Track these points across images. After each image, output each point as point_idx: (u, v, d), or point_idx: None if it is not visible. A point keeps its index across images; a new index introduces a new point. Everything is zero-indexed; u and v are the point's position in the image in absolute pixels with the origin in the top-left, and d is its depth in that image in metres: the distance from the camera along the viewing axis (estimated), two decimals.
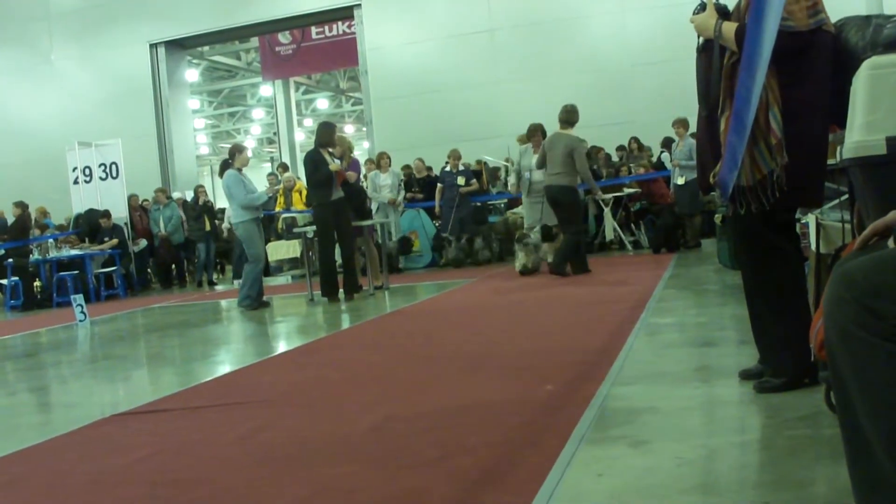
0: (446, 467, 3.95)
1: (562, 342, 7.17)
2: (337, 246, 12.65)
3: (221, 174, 12.98)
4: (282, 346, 9.28)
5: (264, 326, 11.07)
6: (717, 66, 4.63)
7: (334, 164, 12.30)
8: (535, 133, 14.44)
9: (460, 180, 17.16)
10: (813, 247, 5.41)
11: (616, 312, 8.37)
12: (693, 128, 15.43)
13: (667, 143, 17.45)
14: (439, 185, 17.48)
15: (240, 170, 12.78)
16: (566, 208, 12.87)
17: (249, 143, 52.78)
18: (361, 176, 14.95)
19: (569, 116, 13.01)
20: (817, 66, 4.37)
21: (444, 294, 12.17)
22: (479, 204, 18.21)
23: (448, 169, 17.58)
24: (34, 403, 7.37)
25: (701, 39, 4.89)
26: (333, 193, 12.21)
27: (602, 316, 8.33)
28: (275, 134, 42.47)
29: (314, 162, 12.38)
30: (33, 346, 11.53)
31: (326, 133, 12.88)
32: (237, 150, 13.27)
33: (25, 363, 9.84)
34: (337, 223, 12.34)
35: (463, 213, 17.10)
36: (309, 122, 49.58)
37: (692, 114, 16.42)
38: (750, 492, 3.36)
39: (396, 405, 5.38)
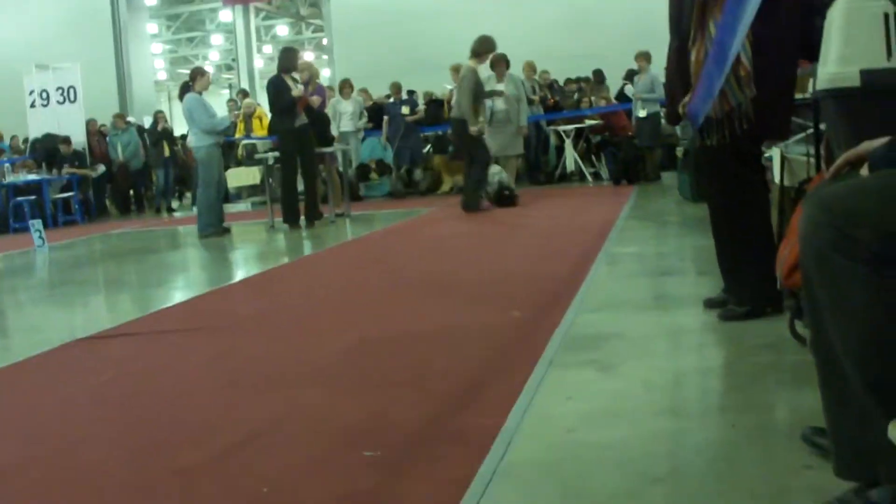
0: (417, 390, 4.01)
1: (526, 270, 7.22)
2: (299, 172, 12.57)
3: (181, 98, 12.81)
4: (243, 273, 9.28)
5: (224, 253, 11.07)
6: None
7: (297, 90, 12.20)
8: (499, 62, 14.41)
9: (404, 110, 17.10)
10: (777, 179, 5.49)
11: (579, 242, 8.42)
12: (656, 61, 15.55)
13: (629, 76, 17.43)
14: (385, 116, 17.41)
15: (200, 94, 12.64)
16: (462, 142, 12.89)
17: (208, 69, 52.28)
18: (326, 102, 14.78)
19: (474, 46, 12.91)
20: (786, 1, 4.40)
21: (405, 222, 12.16)
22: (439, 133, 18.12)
23: (392, 100, 17.50)
24: None
25: None
26: (297, 120, 12.11)
27: (565, 245, 8.40)
28: (233, 60, 42.04)
29: (277, 88, 12.27)
30: None
31: (288, 58, 12.79)
32: (198, 73, 13.10)
33: None
34: (300, 150, 12.25)
35: (410, 143, 17.08)
36: (268, 49, 49.12)
37: (658, 48, 16.52)
38: (716, 415, 3.45)
39: (365, 330, 5.43)
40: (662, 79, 15.49)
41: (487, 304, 5.86)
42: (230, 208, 16.79)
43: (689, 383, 3.92)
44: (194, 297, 7.65)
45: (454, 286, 6.78)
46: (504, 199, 12.63)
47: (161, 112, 21.38)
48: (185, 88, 12.89)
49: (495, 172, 12.82)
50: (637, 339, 4.64)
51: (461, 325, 5.33)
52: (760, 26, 4.30)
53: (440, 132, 17.61)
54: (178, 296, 7.95)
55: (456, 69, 15.10)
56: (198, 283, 8.93)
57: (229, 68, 52.32)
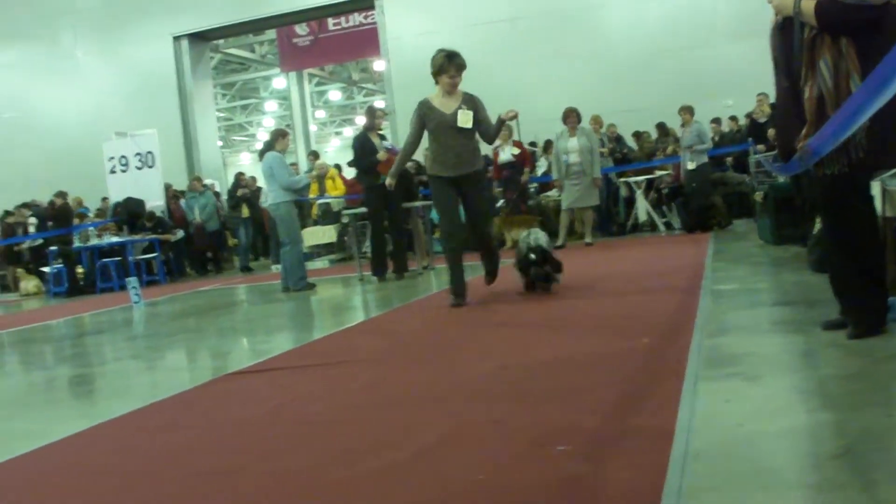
0: (579, 401, 4.38)
1: (635, 306, 7.59)
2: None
3: (261, 157, 13.29)
4: (354, 319, 9.62)
5: (323, 303, 11.48)
6: (797, 40, 5.06)
7: (382, 153, 12.66)
8: (569, 115, 14.93)
9: None
10: (879, 210, 5.88)
11: (676, 282, 8.77)
12: (701, 114, 16.02)
13: None
14: None
15: (281, 153, 13.14)
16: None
17: (262, 136, 53.00)
18: None
19: None
20: (890, 36, 4.79)
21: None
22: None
23: None
24: (136, 369, 7.78)
25: (779, 18, 5.31)
26: (381, 176, 12.56)
27: (664, 285, 8.75)
28: (288, 126, 42.78)
29: (363, 147, 12.79)
30: (104, 323, 11.95)
31: (372, 116, 13.30)
32: (280, 134, 13.64)
33: (105, 338, 10.26)
34: (386, 205, 12.73)
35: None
36: (321, 114, 49.96)
37: (712, 99, 16.77)
38: (869, 409, 3.79)
39: (503, 358, 5.80)
40: (709, 130, 15.98)
41: (610, 335, 6.23)
42: (308, 266, 17.20)
43: (833, 387, 4.27)
44: (320, 337, 8.04)
45: (570, 321, 7.18)
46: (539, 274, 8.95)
47: (242, 174, 21.99)
48: (266, 148, 13.35)
49: (525, 237, 9.21)
50: (770, 356, 5.01)
51: (594, 351, 5.68)
52: (869, 60, 4.69)
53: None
54: (301, 338, 8.35)
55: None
56: (314, 328, 9.33)
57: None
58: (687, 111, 15.73)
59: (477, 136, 8.99)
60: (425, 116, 8.84)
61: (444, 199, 8.81)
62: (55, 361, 8.99)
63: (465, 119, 8.70)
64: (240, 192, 20.31)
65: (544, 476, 3.30)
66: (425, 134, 8.98)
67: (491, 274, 9.54)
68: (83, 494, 3.87)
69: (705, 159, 15.59)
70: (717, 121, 18.66)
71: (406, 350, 6.78)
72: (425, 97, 9.04)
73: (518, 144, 16.48)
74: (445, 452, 3.78)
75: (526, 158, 16.83)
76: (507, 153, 16.46)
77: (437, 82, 8.95)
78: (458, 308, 8.61)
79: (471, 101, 8.90)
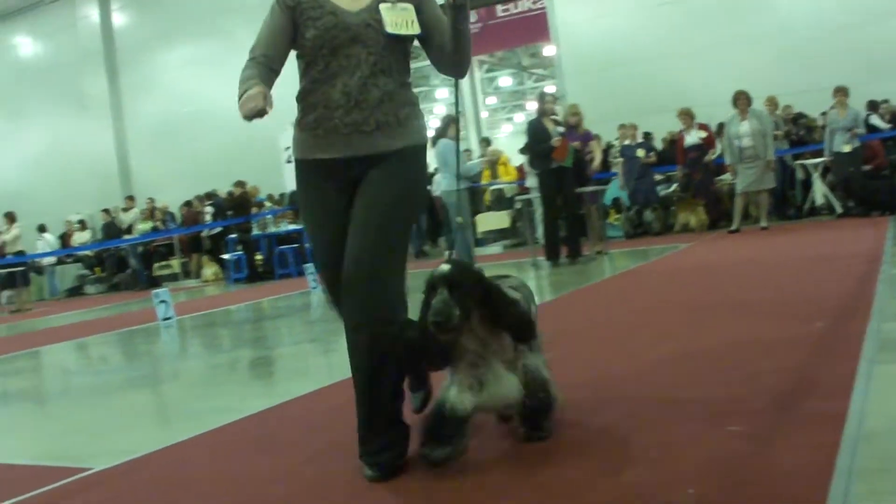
0: (753, 384, 4.43)
1: (810, 291, 7.50)
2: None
3: (433, 144, 13.52)
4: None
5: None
6: None
7: (556, 139, 12.77)
8: (739, 98, 14.78)
9: (639, 152, 17.46)
10: None
11: (853, 265, 8.63)
12: (879, 93, 15.60)
13: (873, 106, 17.41)
14: (622, 158, 17.80)
15: (452, 140, 13.32)
16: None
17: (433, 123, 53.49)
18: (592, 144, 15.05)
19: None
20: None
21: (667, 256, 12.50)
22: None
23: (627, 143, 17.85)
24: (314, 352, 8.11)
25: None
26: (554, 161, 12.67)
27: (841, 268, 8.60)
28: (459, 113, 43.00)
29: (536, 132, 12.91)
30: (282, 308, 12.45)
31: (545, 102, 13.40)
32: (451, 120, 13.89)
33: (283, 322, 10.72)
34: (560, 189, 12.84)
35: (645, 184, 17.47)
36: (492, 100, 50.13)
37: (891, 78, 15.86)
38: None
39: (677, 343, 5.87)
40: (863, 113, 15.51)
41: (785, 318, 6.21)
42: (481, 251, 17.43)
43: None
44: None
45: (744, 306, 7.12)
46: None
47: None
48: (438, 135, 13.56)
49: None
50: None
51: (769, 336, 5.67)
52: None
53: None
54: None
55: (684, 112, 15.65)
56: None
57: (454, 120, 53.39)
58: (842, 92, 15.41)
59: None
60: (299, 13, 4.02)
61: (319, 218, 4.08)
62: (237, 344, 9.40)
63: (396, 19, 3.97)
64: None
65: (716, 455, 3.38)
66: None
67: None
68: (275, 462, 4.16)
69: (858, 143, 15.25)
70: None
71: (581, 333, 6.89)
72: None
73: (704, 127, 16.38)
74: (619, 431, 3.91)
75: (712, 141, 16.70)
76: (693, 136, 16.40)
77: None
78: (632, 293, 8.62)
79: None
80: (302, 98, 3.99)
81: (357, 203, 3.91)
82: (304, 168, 4.03)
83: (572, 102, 15.07)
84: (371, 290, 3.76)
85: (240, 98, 3.75)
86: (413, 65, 4.16)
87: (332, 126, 3.88)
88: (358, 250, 3.79)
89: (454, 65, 4.12)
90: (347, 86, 3.86)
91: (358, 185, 3.93)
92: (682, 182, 17.19)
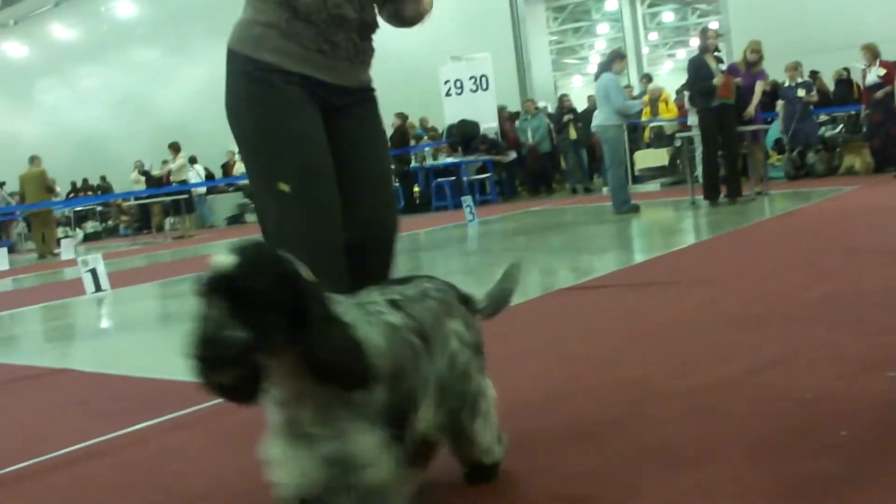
0: None
1: None
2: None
3: (597, 77, 13.42)
4: (685, 241, 9.67)
5: (657, 224, 11.57)
6: None
7: (719, 77, 12.52)
8: None
9: (800, 92, 16.95)
10: None
11: None
12: None
13: None
14: (781, 100, 17.34)
15: (617, 75, 13.23)
16: None
17: (594, 59, 52.96)
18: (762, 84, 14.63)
19: None
20: None
21: (830, 199, 12.12)
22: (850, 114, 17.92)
23: (787, 84, 17.34)
24: (469, 283, 8.07)
25: None
26: (715, 100, 12.46)
27: None
28: (620, 48, 42.57)
29: (698, 70, 12.70)
30: (439, 240, 12.59)
31: (708, 38, 13.13)
32: (617, 55, 13.79)
33: (439, 253, 10.85)
34: (720, 128, 12.62)
35: (806, 126, 16.95)
36: (654, 37, 49.41)
37: None
38: None
39: (838, 284, 5.76)
40: None
41: None
42: (638, 189, 17.31)
43: None
44: (650, 258, 8.18)
45: None
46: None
47: (566, 95, 22.26)
48: (602, 69, 13.43)
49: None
50: None
51: None
52: None
53: (850, 112, 17.48)
54: (628, 259, 8.55)
55: (869, 48, 15.08)
56: (643, 250, 9.48)
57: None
58: None
59: None
60: None
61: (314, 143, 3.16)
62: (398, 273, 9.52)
63: None
64: (565, 118, 20.54)
65: (872, 399, 3.31)
66: None
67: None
68: None
69: None
70: None
71: (737, 273, 6.78)
72: None
73: (885, 65, 15.78)
74: (775, 372, 3.84)
75: (891, 79, 16.01)
76: (873, 74, 15.85)
77: None
78: (791, 235, 8.47)
79: None
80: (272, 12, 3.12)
81: (359, 147, 3.28)
82: (284, 79, 3.10)
83: (754, 39, 14.54)
84: (392, 256, 3.44)
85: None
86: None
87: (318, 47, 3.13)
88: (383, 211, 3.34)
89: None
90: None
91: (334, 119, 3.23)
92: (848, 123, 16.72)
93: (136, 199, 25.51)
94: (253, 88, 3.11)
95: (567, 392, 3.86)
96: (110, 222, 28.45)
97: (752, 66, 13.71)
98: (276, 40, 3.08)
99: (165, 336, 7.29)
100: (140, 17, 33.99)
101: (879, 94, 15.73)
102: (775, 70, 18.22)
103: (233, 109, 3.18)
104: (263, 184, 3.10)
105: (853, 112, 17.59)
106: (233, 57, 3.19)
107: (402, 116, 20.97)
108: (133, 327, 8.02)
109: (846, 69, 18.58)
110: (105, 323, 8.97)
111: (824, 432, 2.98)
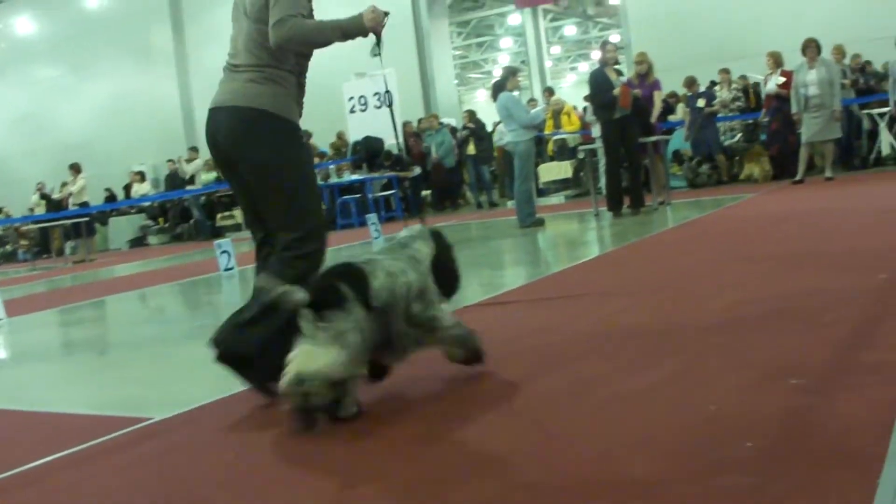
0: (815, 335, 4.37)
1: (874, 243, 7.39)
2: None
3: (495, 97, 13.43)
4: (589, 254, 9.73)
5: (562, 237, 11.62)
6: None
7: (617, 89, 12.64)
8: (808, 46, 14.57)
9: (700, 102, 17.20)
10: None
11: None
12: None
13: None
14: (686, 108, 17.61)
15: (512, 91, 13.28)
16: None
17: (498, 73, 53.18)
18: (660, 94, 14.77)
19: None
20: None
21: (729, 207, 12.30)
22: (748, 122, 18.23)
23: (690, 94, 17.62)
24: None
25: None
26: (618, 111, 12.58)
27: None
28: (523, 62, 42.87)
29: (598, 82, 12.83)
30: (346, 258, 12.44)
31: (608, 51, 13.27)
32: (511, 72, 13.81)
33: None
34: (622, 139, 12.73)
35: (706, 135, 17.23)
36: (556, 50, 49.82)
37: None
38: None
39: (740, 292, 5.83)
40: None
41: (848, 270, 6.11)
42: (543, 202, 17.38)
43: None
44: (555, 272, 8.20)
45: (807, 257, 7.04)
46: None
47: (470, 111, 22.31)
48: (497, 88, 13.47)
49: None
50: None
51: (830, 287, 5.60)
52: None
53: (748, 120, 17.77)
54: (536, 272, 8.54)
55: (773, 56, 15.38)
56: (549, 263, 9.51)
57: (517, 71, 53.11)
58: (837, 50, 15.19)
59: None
60: None
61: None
62: None
63: None
64: (460, 133, 20.63)
65: (776, 408, 3.33)
66: None
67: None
68: None
69: None
70: None
71: (642, 284, 6.84)
72: None
73: (785, 73, 16.01)
74: (679, 384, 3.87)
75: (788, 88, 16.27)
76: (773, 82, 16.10)
77: None
78: (694, 244, 8.57)
79: None
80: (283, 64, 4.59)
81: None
82: (300, 133, 4.73)
83: (639, 51, 14.86)
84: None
85: (339, 29, 4.53)
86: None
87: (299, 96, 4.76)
88: None
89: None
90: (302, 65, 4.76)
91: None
92: (746, 132, 17.00)
93: (36, 222, 25.02)
94: (293, 141, 4.58)
95: (467, 416, 3.83)
96: (8, 247, 27.85)
97: (644, 77, 13.89)
98: (294, 107, 4.63)
99: (66, 366, 7.12)
100: (40, 35, 33.36)
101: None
102: (673, 81, 18.53)
103: (278, 151, 4.49)
104: (308, 194, 4.62)
105: (750, 120, 17.88)
106: (273, 117, 4.49)
107: (306, 134, 20.82)
108: (32, 357, 7.79)
109: (743, 76, 18.90)
110: (1, 353, 8.73)
111: (729, 445, 2.99)
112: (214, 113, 4.58)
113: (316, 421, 3.69)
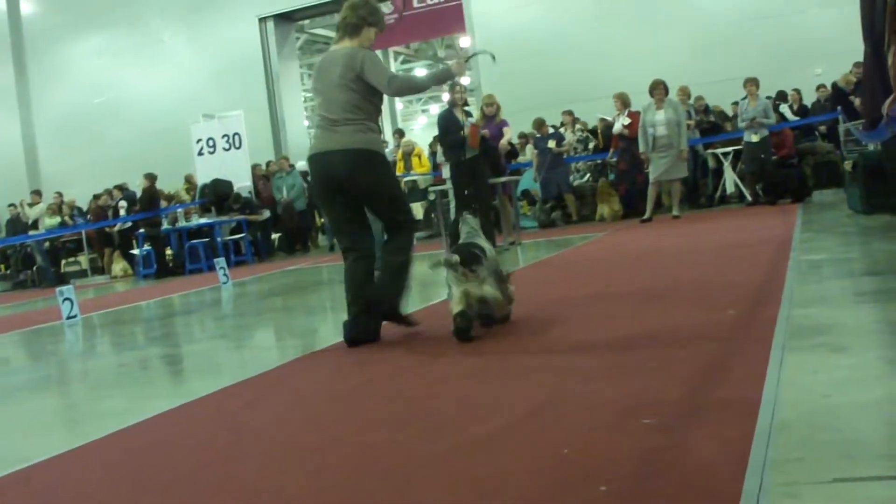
0: (667, 374, 4.35)
1: (722, 278, 7.51)
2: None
3: None
4: (444, 293, 9.61)
5: (415, 279, 11.46)
6: (880, 4, 4.96)
7: (466, 129, 12.65)
8: (656, 87, 14.86)
9: (550, 143, 17.45)
10: None
11: (764, 252, 8.68)
12: (791, 83, 15.78)
13: (781, 96, 17.63)
14: (534, 150, 17.85)
15: None
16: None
17: None
18: (507, 137, 14.89)
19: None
20: None
21: (579, 247, 12.45)
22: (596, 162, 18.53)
23: (539, 135, 17.87)
24: (224, 348, 7.92)
25: None
26: (468, 152, 12.58)
27: (751, 255, 8.65)
28: None
29: (447, 123, 12.81)
30: (193, 304, 12.18)
31: (456, 92, 13.29)
32: None
33: (194, 318, 10.47)
34: (472, 180, 12.71)
35: (557, 175, 17.46)
36: None
37: (802, 68, 16.32)
38: None
39: (589, 333, 5.81)
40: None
41: (697, 307, 6.16)
42: None
43: None
44: (410, 313, 8.06)
45: (656, 295, 7.10)
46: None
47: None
48: None
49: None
50: (859, 326, 4.95)
51: (680, 324, 5.65)
52: None
53: (596, 161, 18.08)
54: None
55: (620, 97, 15.64)
56: (404, 304, 9.39)
57: None
58: (753, 83, 15.58)
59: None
60: None
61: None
62: (145, 342, 9.17)
63: None
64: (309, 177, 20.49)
65: (629, 449, 3.28)
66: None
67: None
68: (173, 468, 3.93)
69: (766, 133, 15.36)
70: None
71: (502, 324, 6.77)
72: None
73: (632, 115, 16.27)
74: (532, 426, 3.79)
75: (635, 129, 16.53)
76: (619, 123, 16.38)
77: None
78: (544, 284, 8.58)
79: None
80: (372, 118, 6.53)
81: None
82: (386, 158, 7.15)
83: (487, 93, 15.01)
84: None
85: (433, 77, 7.34)
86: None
87: None
88: None
89: None
90: None
91: None
92: (594, 172, 17.26)
93: None
94: (389, 166, 7.09)
95: (315, 464, 3.68)
96: None
97: (491, 119, 13.95)
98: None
99: None
100: None
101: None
102: (523, 122, 18.73)
103: (385, 174, 6.67)
104: (403, 196, 7.38)
105: (598, 161, 18.17)
106: (378, 153, 6.53)
107: (151, 177, 20.36)
108: None
109: (602, 118, 19.18)
110: None
111: (583, 489, 2.92)
112: (329, 155, 6.33)
113: (472, 326, 6.02)
